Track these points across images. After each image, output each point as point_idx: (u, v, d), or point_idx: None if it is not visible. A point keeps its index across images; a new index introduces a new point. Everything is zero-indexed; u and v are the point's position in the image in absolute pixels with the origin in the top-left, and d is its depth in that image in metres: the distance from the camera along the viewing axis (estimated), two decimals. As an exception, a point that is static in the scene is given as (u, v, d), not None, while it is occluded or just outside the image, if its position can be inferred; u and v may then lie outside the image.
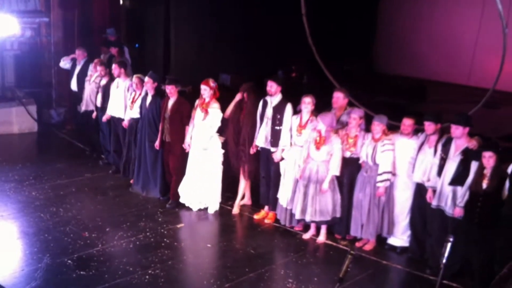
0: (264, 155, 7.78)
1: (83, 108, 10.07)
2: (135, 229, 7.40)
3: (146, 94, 8.44)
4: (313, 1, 12.47)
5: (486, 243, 6.02)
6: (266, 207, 7.98)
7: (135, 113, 8.69)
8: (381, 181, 6.84)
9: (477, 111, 9.70)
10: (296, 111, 7.47)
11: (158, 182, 8.41)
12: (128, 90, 8.95)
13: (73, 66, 10.66)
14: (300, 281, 6.30)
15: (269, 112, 7.58)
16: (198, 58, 14.40)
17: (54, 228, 7.30)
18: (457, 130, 6.28)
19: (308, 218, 7.16)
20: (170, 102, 8.05)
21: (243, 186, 8.14)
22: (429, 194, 6.59)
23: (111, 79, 9.29)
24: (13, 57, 12.05)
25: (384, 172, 6.81)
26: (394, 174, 6.90)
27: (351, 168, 7.14)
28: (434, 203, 6.51)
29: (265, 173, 7.87)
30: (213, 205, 8.09)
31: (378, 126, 6.87)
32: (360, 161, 7.08)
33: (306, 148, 7.16)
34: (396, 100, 12.82)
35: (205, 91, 7.79)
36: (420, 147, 6.72)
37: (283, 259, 6.94)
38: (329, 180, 7.01)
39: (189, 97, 8.62)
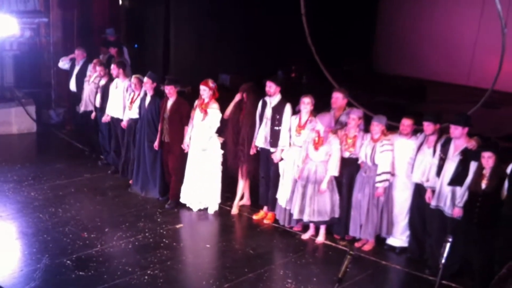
0: (263, 155, 7.77)
1: (82, 108, 10.06)
2: (134, 229, 7.39)
3: (145, 94, 8.43)
4: (313, 1, 12.46)
5: (486, 243, 6.01)
6: (265, 208, 7.98)
7: (134, 113, 8.69)
8: (380, 182, 6.84)
9: (476, 111, 9.70)
10: (295, 111, 7.47)
11: (157, 182, 8.40)
12: (127, 90, 8.94)
13: (72, 66, 10.65)
14: (299, 281, 6.30)
15: (268, 112, 7.58)
16: (197, 59, 14.41)
17: (53, 228, 7.29)
18: (456, 130, 6.28)
19: (306, 218, 7.16)
20: (169, 103, 8.05)
21: (242, 186, 8.13)
22: (428, 194, 6.59)
23: (110, 79, 9.29)
24: (12, 58, 12.02)
25: (383, 173, 6.81)
26: (393, 175, 6.90)
27: (350, 168, 7.14)
28: (433, 203, 6.51)
29: (264, 173, 7.87)
30: (213, 206, 8.08)
31: (377, 126, 6.87)
32: (359, 162, 7.08)
33: (304, 148, 7.15)
34: (396, 100, 12.83)
35: (204, 91, 7.78)
36: (419, 147, 6.71)
37: (282, 259, 6.93)
38: (328, 181, 7.00)
39: (188, 98, 8.61)
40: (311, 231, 7.38)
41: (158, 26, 14.47)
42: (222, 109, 7.85)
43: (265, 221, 7.85)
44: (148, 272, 6.32)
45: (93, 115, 9.75)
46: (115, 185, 8.95)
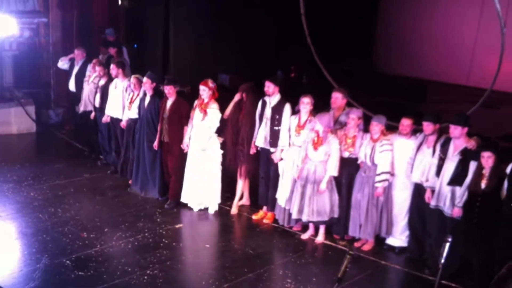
0: (264, 155, 7.77)
1: (81, 108, 10.06)
2: (133, 229, 7.39)
3: (145, 94, 8.43)
4: (313, 1, 12.46)
5: (485, 243, 6.01)
6: (265, 208, 7.98)
7: (133, 113, 8.69)
8: (380, 181, 6.84)
9: (475, 111, 9.70)
10: (295, 111, 7.46)
11: (156, 182, 8.40)
12: (126, 90, 8.94)
13: (71, 66, 10.66)
14: (299, 281, 6.30)
15: (268, 112, 7.58)
16: (197, 58, 14.40)
17: (53, 228, 7.29)
18: (455, 130, 6.28)
19: (305, 218, 7.15)
20: (169, 103, 8.04)
21: (241, 186, 8.13)
22: (427, 194, 6.59)
23: (110, 79, 9.28)
24: (12, 58, 12.01)
25: (383, 172, 6.81)
26: (392, 174, 6.89)
27: (349, 168, 7.13)
28: (432, 203, 6.51)
29: (264, 173, 7.86)
30: (213, 206, 8.08)
31: (376, 126, 6.87)
32: (359, 161, 7.08)
33: (304, 148, 7.15)
34: (396, 100, 12.83)
35: (204, 91, 7.78)
36: (418, 147, 6.71)
37: (282, 259, 6.93)
38: (327, 181, 7.00)
39: (187, 98, 8.61)
40: (310, 231, 7.38)
41: (158, 26, 14.46)
42: (222, 109, 7.85)
43: (265, 221, 7.84)
44: (148, 272, 6.32)
45: (92, 115, 9.75)
46: (115, 185, 8.95)
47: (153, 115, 8.26)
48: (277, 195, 7.61)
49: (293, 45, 13.73)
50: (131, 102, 8.72)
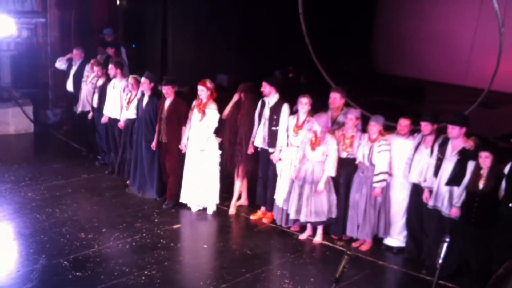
0: (263, 155, 7.76)
1: (79, 108, 10.05)
2: (131, 230, 7.38)
3: (143, 94, 8.42)
4: (312, 1, 12.46)
5: (483, 243, 6.02)
6: (263, 208, 7.97)
7: (131, 113, 8.68)
8: (378, 182, 6.84)
9: (474, 112, 9.71)
10: (293, 111, 7.46)
11: (154, 182, 8.39)
12: (124, 90, 8.93)
13: (69, 66, 10.66)
14: (297, 281, 6.29)
15: (266, 112, 7.58)
16: (195, 59, 14.39)
17: (50, 229, 7.28)
18: (453, 131, 6.28)
19: (303, 218, 7.15)
20: (167, 103, 8.03)
21: (239, 186, 8.13)
22: (425, 195, 6.59)
23: (108, 79, 9.28)
24: (10, 58, 11.99)
25: (381, 173, 6.81)
26: (390, 175, 6.89)
27: (347, 168, 7.13)
28: (430, 203, 6.51)
29: (263, 174, 7.86)
30: (211, 206, 8.08)
31: (374, 126, 6.87)
32: (357, 162, 7.07)
33: (301, 148, 7.15)
34: (395, 100, 12.84)
35: (202, 91, 7.77)
36: (416, 148, 6.71)
37: (280, 260, 6.93)
38: (325, 181, 7.00)
39: (186, 98, 8.60)
40: (308, 231, 7.38)
41: (156, 26, 14.46)
42: (220, 110, 7.84)
43: (264, 220, 7.84)
44: (146, 272, 6.31)
45: (90, 115, 9.74)
46: (113, 185, 8.94)
47: (151, 115, 8.26)
48: (275, 195, 7.60)
49: (293, 45, 13.73)
50: (129, 102, 8.71)
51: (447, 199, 6.34)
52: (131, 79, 8.69)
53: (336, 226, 7.30)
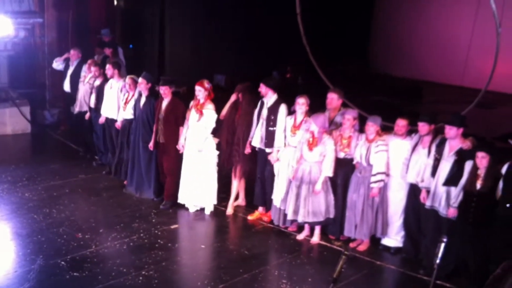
0: (261, 155, 7.76)
1: (76, 109, 10.04)
2: (129, 230, 7.37)
3: (140, 95, 8.41)
4: (310, 2, 12.47)
5: (480, 243, 6.02)
6: (260, 208, 7.97)
7: (128, 114, 8.68)
8: (375, 182, 6.84)
9: (471, 112, 9.72)
10: (291, 111, 7.46)
11: (152, 183, 8.38)
12: (121, 91, 8.92)
13: (66, 67, 10.64)
14: (294, 281, 6.29)
15: (264, 112, 7.58)
16: (193, 59, 14.39)
17: (48, 229, 7.27)
18: (451, 131, 6.28)
19: (300, 219, 7.15)
20: (164, 103, 8.03)
21: (236, 186, 8.12)
22: (423, 195, 6.59)
23: (105, 80, 9.27)
24: (7, 58, 11.99)
25: (378, 173, 6.81)
26: (388, 175, 6.90)
27: (345, 169, 7.14)
28: (428, 203, 6.52)
29: (261, 174, 7.86)
30: (209, 206, 8.07)
31: (372, 127, 6.87)
32: (354, 162, 7.08)
33: (299, 149, 7.15)
34: (392, 100, 12.86)
35: (200, 92, 7.77)
36: (414, 148, 6.71)
37: (277, 260, 6.93)
38: (322, 181, 7.00)
39: (183, 98, 8.59)
40: (306, 232, 7.38)
41: (154, 27, 14.46)
42: (218, 110, 7.84)
43: (264, 218, 7.83)
44: (143, 273, 6.30)
45: (87, 115, 9.73)
46: (110, 185, 8.93)
47: (149, 116, 8.25)
48: (273, 196, 7.60)
49: (292, 45, 13.71)
50: (126, 102, 8.70)
51: (445, 199, 6.35)
52: (128, 79, 8.68)
53: (333, 226, 7.30)
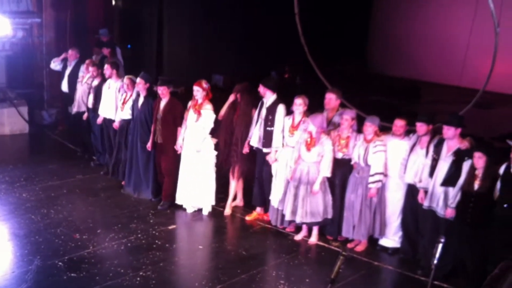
0: (259, 156, 7.76)
1: (74, 109, 10.03)
2: (126, 230, 7.36)
3: (138, 95, 8.40)
4: (308, 1, 12.46)
5: (478, 244, 6.02)
6: (258, 208, 7.97)
7: (125, 114, 8.67)
8: (373, 182, 6.84)
9: (469, 112, 9.72)
10: (289, 111, 7.46)
11: (150, 183, 8.37)
12: (119, 91, 8.91)
13: (64, 67, 10.63)
14: (292, 282, 6.29)
15: (263, 113, 7.58)
16: (191, 59, 14.39)
17: (45, 230, 7.26)
18: (449, 131, 6.29)
19: (298, 219, 7.15)
20: (162, 103, 8.02)
21: (234, 187, 8.12)
22: (420, 195, 6.59)
23: (103, 80, 9.26)
24: (5, 58, 11.96)
25: (376, 173, 6.81)
26: (386, 175, 6.90)
27: (343, 169, 7.13)
28: (425, 204, 6.52)
29: (258, 174, 7.85)
30: (207, 207, 8.06)
31: (370, 127, 6.87)
32: (352, 162, 7.08)
33: (297, 149, 7.15)
34: (390, 100, 12.86)
35: (198, 92, 7.76)
36: (412, 148, 6.71)
37: (275, 260, 6.92)
38: (320, 182, 7.00)
39: (181, 98, 8.59)
40: (303, 232, 7.38)
41: (152, 27, 14.45)
42: (216, 110, 7.83)
43: (265, 217, 7.82)
44: (141, 273, 6.30)
45: (85, 115, 9.71)
46: (108, 186, 8.92)
47: (147, 116, 8.24)
48: (271, 196, 7.60)
49: (290, 45, 13.72)
50: (123, 103, 8.70)
51: (442, 200, 6.35)
52: (126, 79, 8.67)
53: (331, 227, 7.30)
